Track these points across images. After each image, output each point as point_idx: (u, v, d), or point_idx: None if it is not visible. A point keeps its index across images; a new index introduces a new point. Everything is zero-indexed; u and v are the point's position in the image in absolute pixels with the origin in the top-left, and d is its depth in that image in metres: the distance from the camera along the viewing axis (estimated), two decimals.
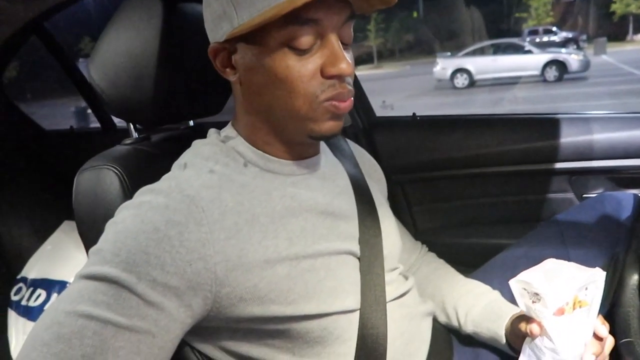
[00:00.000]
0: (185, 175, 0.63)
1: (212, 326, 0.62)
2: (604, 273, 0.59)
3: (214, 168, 0.64)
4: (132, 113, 0.78)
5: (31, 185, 1.59)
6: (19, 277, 1.46)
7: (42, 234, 1.49)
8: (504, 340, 0.76)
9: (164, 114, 0.79)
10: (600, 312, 0.64)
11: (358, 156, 0.86)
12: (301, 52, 0.59)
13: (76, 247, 1.45)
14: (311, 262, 0.63)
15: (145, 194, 0.60)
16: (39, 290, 1.40)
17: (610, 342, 0.68)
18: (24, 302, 1.40)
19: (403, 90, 12.17)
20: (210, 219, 0.58)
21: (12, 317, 1.42)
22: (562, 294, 0.57)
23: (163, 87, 0.74)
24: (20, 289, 1.43)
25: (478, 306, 0.82)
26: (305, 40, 0.58)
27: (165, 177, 0.63)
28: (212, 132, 0.71)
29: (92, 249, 0.56)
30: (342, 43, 0.62)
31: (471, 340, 0.83)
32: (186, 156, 0.67)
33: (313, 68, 0.60)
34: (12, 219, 1.53)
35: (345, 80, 0.62)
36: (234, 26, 0.59)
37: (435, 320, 0.83)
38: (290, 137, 0.66)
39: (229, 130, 0.70)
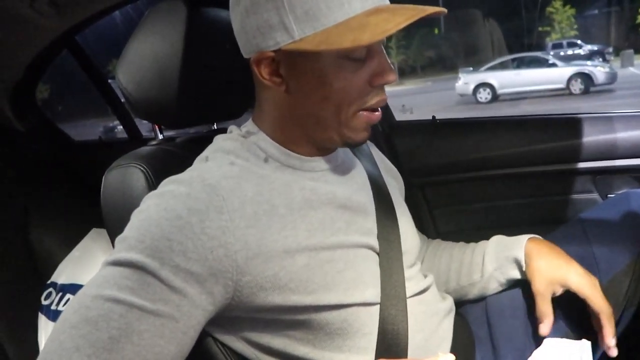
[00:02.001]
0: (207, 167, 0.65)
1: (234, 316, 0.63)
2: (589, 342, 0.68)
3: (235, 161, 0.66)
4: (157, 115, 0.80)
5: (61, 194, 1.64)
6: (49, 282, 1.50)
7: (71, 241, 1.53)
8: (523, 262, 0.80)
9: (188, 116, 0.81)
10: (628, 311, 0.74)
11: (376, 156, 0.87)
12: (357, 63, 0.62)
13: (103, 253, 1.49)
14: (330, 254, 0.64)
15: (168, 184, 0.62)
16: (67, 295, 1.44)
17: (606, 312, 0.73)
18: (53, 307, 1.44)
19: (425, 105, 12.14)
20: (231, 208, 0.59)
21: (42, 321, 1.46)
22: None
23: (187, 89, 0.76)
24: (50, 294, 1.47)
25: (490, 246, 0.87)
26: (362, 51, 0.62)
27: (188, 169, 0.65)
28: (233, 128, 0.73)
29: (118, 238, 0.58)
30: None
31: (492, 337, 0.82)
32: (208, 150, 0.70)
33: (365, 78, 0.63)
34: (43, 227, 1.58)
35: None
36: (294, 38, 0.60)
37: (456, 317, 0.83)
38: (324, 142, 0.69)
39: (250, 126, 0.71)
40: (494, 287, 0.86)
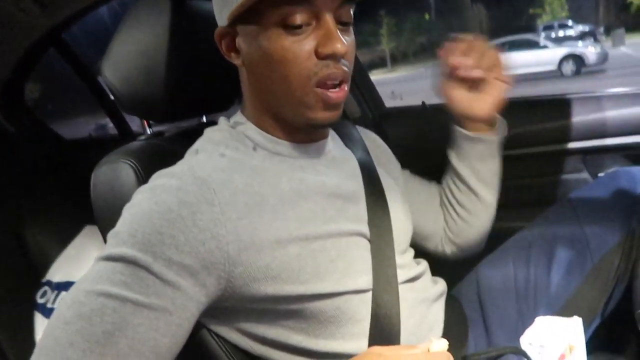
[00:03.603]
0: (197, 159, 0.65)
1: (228, 307, 0.63)
2: (580, 319, 0.69)
3: (225, 152, 0.66)
4: (144, 109, 0.80)
5: (53, 192, 1.63)
6: (44, 280, 1.49)
7: (65, 239, 1.53)
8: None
9: (175, 110, 0.81)
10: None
11: (368, 142, 0.87)
12: (296, 32, 0.61)
13: (97, 250, 1.48)
14: (321, 243, 0.64)
15: (159, 178, 0.62)
16: (63, 293, 1.43)
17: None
18: (49, 305, 1.44)
19: (419, 92, 12.10)
20: (222, 200, 0.59)
21: (39, 319, 1.46)
22: (559, 345, 0.67)
23: (174, 83, 0.76)
24: (45, 292, 1.47)
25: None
26: (298, 18, 0.60)
27: (178, 162, 0.65)
28: (222, 119, 0.73)
29: (110, 233, 0.58)
30: (341, 22, 0.63)
31: (485, 319, 0.83)
32: (198, 143, 0.70)
33: (308, 49, 0.62)
34: (37, 226, 1.58)
35: (341, 62, 0.63)
36: (231, 8, 0.61)
37: (450, 300, 0.84)
38: (291, 122, 0.68)
39: (238, 116, 0.72)
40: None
